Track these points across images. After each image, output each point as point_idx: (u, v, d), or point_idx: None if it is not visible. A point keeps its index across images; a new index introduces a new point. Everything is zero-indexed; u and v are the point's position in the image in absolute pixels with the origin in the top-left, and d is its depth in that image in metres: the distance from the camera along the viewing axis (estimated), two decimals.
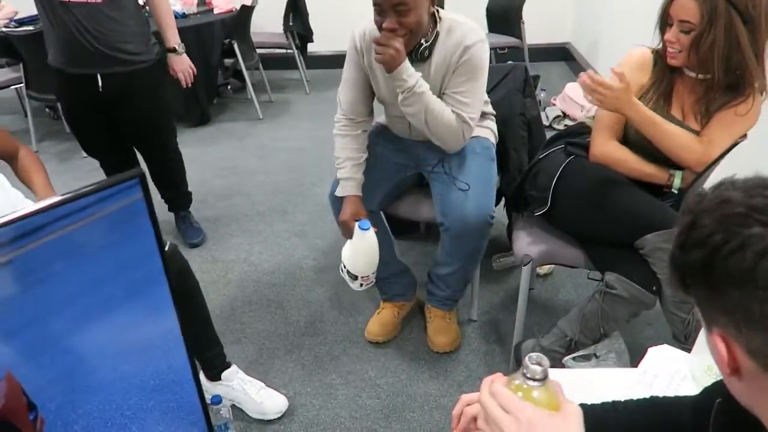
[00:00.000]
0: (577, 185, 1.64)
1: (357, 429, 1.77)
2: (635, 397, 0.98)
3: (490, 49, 4.69)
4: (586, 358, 1.65)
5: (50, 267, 0.82)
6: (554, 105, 4.06)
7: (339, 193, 1.88)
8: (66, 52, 2.26)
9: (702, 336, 1.10)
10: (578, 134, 1.74)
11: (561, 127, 3.80)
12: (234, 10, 4.35)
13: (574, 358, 1.64)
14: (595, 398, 0.97)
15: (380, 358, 2.02)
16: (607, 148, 1.64)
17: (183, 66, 2.55)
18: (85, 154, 2.84)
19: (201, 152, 3.78)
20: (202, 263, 2.59)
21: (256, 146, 3.89)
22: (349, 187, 1.86)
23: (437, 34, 1.72)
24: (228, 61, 4.56)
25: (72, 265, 0.84)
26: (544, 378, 0.67)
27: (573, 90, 3.99)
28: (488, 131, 2.01)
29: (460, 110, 1.73)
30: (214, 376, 1.78)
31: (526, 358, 0.68)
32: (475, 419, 0.89)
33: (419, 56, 1.71)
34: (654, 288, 1.51)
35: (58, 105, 4.14)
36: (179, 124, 4.08)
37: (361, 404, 1.85)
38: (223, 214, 3.02)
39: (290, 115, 4.48)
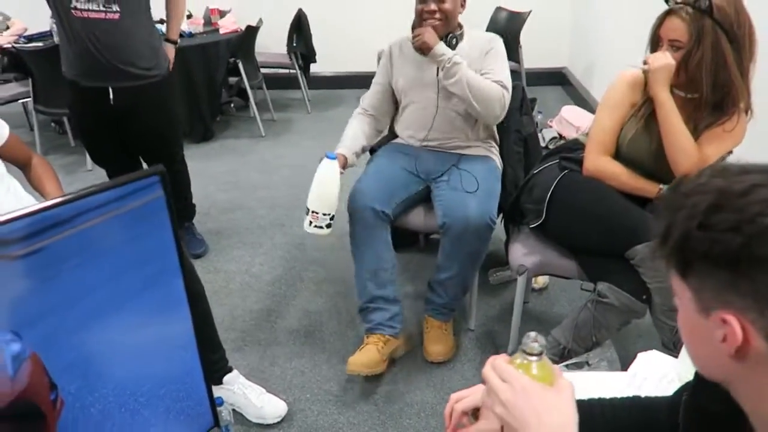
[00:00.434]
0: (571, 198, 1.71)
1: None
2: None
3: None
4: (578, 365, 1.69)
5: (71, 260, 0.88)
6: (551, 127, 4.15)
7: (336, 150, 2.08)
8: (81, 65, 2.33)
9: None
10: (572, 150, 1.82)
11: None
12: (239, 30, 4.46)
13: (566, 366, 1.69)
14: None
15: None
16: (600, 163, 1.71)
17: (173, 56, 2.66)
18: (90, 167, 2.91)
19: (204, 167, 3.85)
20: (205, 274, 2.63)
21: (258, 162, 3.96)
22: (342, 148, 2.10)
23: (463, 34, 2.07)
24: (232, 80, 4.66)
25: (92, 258, 0.90)
26: (541, 353, 0.73)
27: (569, 112, 4.09)
28: (497, 157, 2.16)
29: (498, 79, 1.98)
30: (216, 379, 1.82)
31: (525, 336, 0.74)
32: (465, 414, 0.94)
33: (449, 44, 1.99)
34: (644, 297, 1.57)
35: (65, 119, 4.25)
36: (183, 139, 4.16)
37: (359, 410, 1.89)
38: (225, 226, 3.07)
39: (292, 134, 4.56)
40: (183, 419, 1.07)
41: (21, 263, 0.81)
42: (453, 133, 2.11)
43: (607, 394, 1.05)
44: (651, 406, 0.99)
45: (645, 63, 1.60)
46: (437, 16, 1.95)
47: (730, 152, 1.67)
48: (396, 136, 2.26)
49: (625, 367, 1.64)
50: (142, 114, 2.46)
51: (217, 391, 1.80)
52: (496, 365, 0.76)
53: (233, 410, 1.81)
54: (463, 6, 2.04)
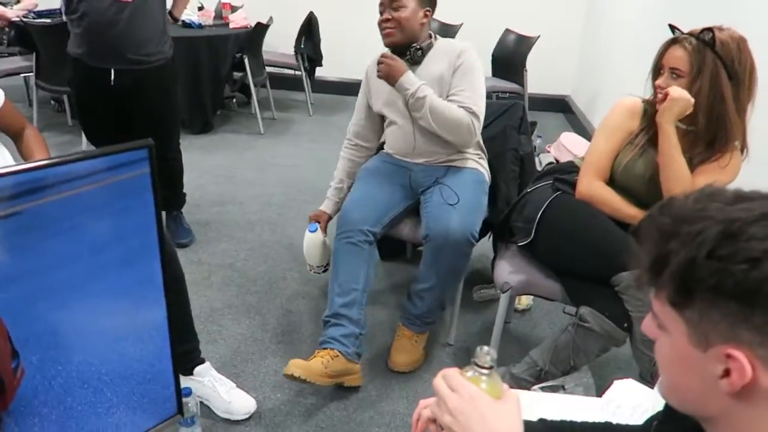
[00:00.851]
0: (561, 219, 1.70)
1: None
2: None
3: (493, 92, 4.84)
4: (553, 389, 1.68)
5: (54, 225, 0.86)
6: (548, 152, 4.16)
7: (322, 206, 2.24)
8: (87, 44, 2.33)
9: None
10: (567, 171, 1.81)
11: None
12: (249, 26, 4.47)
13: (542, 388, 1.67)
14: None
15: None
16: (593, 187, 1.70)
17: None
18: (84, 147, 2.89)
19: (200, 159, 3.83)
20: (187, 264, 2.60)
21: (255, 159, 3.95)
22: (325, 205, 2.26)
23: (431, 44, 2.02)
24: (237, 75, 4.66)
25: (75, 226, 0.88)
26: (491, 367, 0.72)
27: (568, 139, 4.11)
28: (484, 169, 2.14)
29: (467, 104, 1.92)
30: (187, 370, 1.78)
31: (478, 348, 0.74)
32: (432, 420, 0.93)
33: (412, 58, 1.97)
34: (625, 325, 1.56)
35: (65, 97, 4.23)
36: (182, 129, 4.13)
37: (329, 415, 1.86)
38: (214, 219, 3.05)
39: (291, 134, 4.56)
40: (146, 403, 1.04)
41: None
42: (437, 149, 2.07)
43: (580, 418, 1.03)
44: None
45: (659, 89, 1.59)
46: (391, 24, 1.94)
47: None
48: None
49: (600, 394, 1.62)
50: (142, 96, 2.45)
51: (187, 382, 1.77)
52: (447, 375, 0.75)
53: (201, 402, 1.78)
54: (427, 16, 1.99)
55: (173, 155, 2.71)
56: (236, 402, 1.80)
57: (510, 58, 4.73)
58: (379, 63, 1.92)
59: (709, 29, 1.50)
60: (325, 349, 1.85)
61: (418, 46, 1.98)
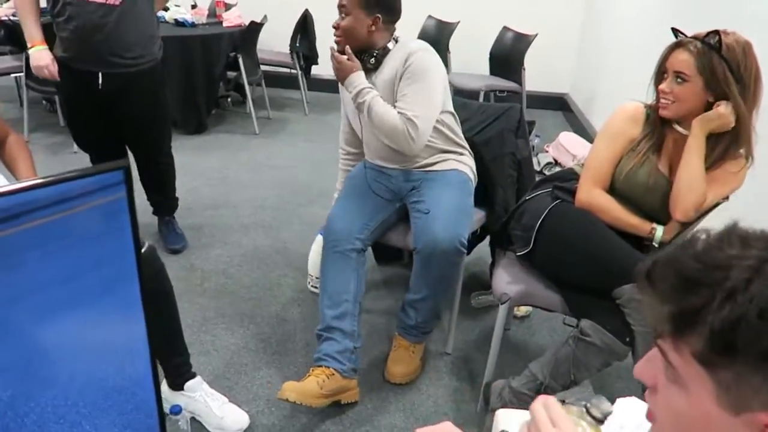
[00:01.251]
0: (561, 229, 1.66)
1: None
2: None
3: (490, 91, 4.79)
4: None
5: (24, 254, 0.80)
6: (547, 152, 4.12)
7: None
8: (73, 48, 2.27)
9: None
10: (567, 179, 1.76)
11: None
12: (243, 25, 4.40)
13: None
14: None
15: None
16: (593, 195, 1.66)
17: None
18: (75, 149, 2.84)
19: (193, 160, 3.78)
20: (180, 270, 2.56)
21: (249, 160, 3.89)
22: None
23: (387, 50, 1.93)
24: (231, 74, 4.60)
25: (47, 255, 0.83)
26: (602, 422, 0.68)
27: (567, 138, 4.06)
28: (466, 167, 2.06)
29: (404, 110, 1.84)
30: (178, 385, 1.74)
31: (597, 397, 0.68)
32: None
33: (365, 65, 1.92)
34: (627, 339, 1.51)
35: (56, 97, 4.16)
36: (175, 130, 4.07)
37: (324, 429, 1.82)
38: (207, 223, 3.00)
39: (286, 134, 4.50)
40: None
41: None
42: (392, 155, 1.99)
43: None
44: None
45: (662, 94, 1.54)
46: (338, 33, 1.90)
47: (726, 198, 1.62)
48: None
49: None
50: (131, 100, 2.39)
51: (177, 398, 1.74)
52: (550, 406, 0.70)
53: (192, 419, 1.74)
54: (376, 23, 1.87)
55: (164, 159, 2.65)
56: (229, 417, 1.76)
57: (508, 56, 4.68)
58: (337, 60, 1.88)
59: (715, 32, 1.44)
60: (320, 366, 1.79)
61: (371, 54, 1.91)
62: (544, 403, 0.70)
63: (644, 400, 1.34)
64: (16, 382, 0.85)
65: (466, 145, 2.11)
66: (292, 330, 2.24)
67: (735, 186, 1.58)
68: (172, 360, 1.71)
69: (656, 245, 1.63)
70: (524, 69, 4.60)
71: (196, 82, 4.16)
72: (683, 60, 1.49)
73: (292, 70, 4.95)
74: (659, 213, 1.63)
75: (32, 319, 0.85)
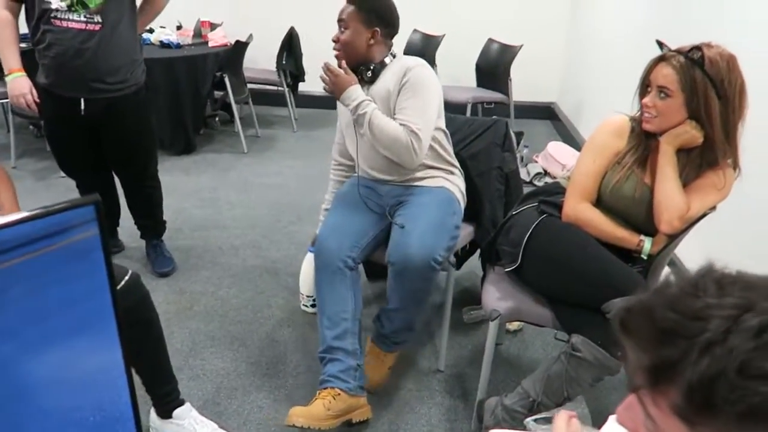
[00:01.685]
0: (548, 244, 1.65)
1: None
2: None
3: (478, 103, 4.81)
4: (547, 420, 1.61)
5: None
6: (536, 162, 4.12)
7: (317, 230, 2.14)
8: (54, 73, 2.26)
9: None
10: (553, 193, 1.76)
11: (541, 183, 3.85)
12: (229, 44, 4.41)
13: (535, 420, 1.61)
14: None
15: None
16: (579, 209, 1.65)
17: None
18: (63, 174, 2.81)
19: (182, 181, 3.76)
20: (169, 294, 2.53)
21: (238, 179, 3.88)
22: (319, 229, 2.11)
23: (384, 64, 1.96)
24: (218, 94, 4.60)
25: (17, 297, 0.81)
26: None
27: (555, 148, 4.07)
28: (454, 186, 2.05)
29: (407, 122, 1.86)
30: (166, 413, 1.71)
31: None
32: None
33: (362, 78, 1.94)
34: (619, 353, 1.50)
35: (42, 122, 4.14)
36: (163, 151, 4.08)
37: None
38: (196, 244, 2.97)
39: (275, 152, 4.50)
40: None
41: None
42: (388, 167, 1.99)
43: None
44: None
45: (645, 108, 1.55)
46: (337, 46, 1.93)
47: (713, 208, 1.62)
48: None
49: (597, 423, 1.56)
50: (114, 125, 2.38)
51: (165, 426, 1.71)
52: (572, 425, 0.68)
53: None
54: (375, 37, 1.91)
55: (150, 183, 2.63)
56: None
57: (494, 67, 4.70)
58: (326, 72, 1.88)
59: (698, 47, 1.45)
60: (325, 389, 1.77)
61: (368, 67, 1.94)
62: (568, 421, 0.68)
63: None
64: None
65: (457, 164, 2.10)
66: (283, 351, 2.22)
67: (721, 196, 1.58)
68: (158, 388, 1.68)
69: (645, 257, 1.63)
70: (510, 80, 4.63)
71: (183, 103, 4.15)
72: (666, 75, 1.49)
73: (280, 88, 4.95)
74: (647, 225, 1.62)
75: (5, 362, 0.83)
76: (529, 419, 1.63)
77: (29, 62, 2.35)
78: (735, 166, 1.57)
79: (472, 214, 2.15)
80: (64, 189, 3.34)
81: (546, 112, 5.58)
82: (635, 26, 3.61)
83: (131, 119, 2.41)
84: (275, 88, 4.98)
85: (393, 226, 1.92)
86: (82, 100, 2.28)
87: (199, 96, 4.26)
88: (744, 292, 0.52)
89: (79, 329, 0.87)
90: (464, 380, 2.11)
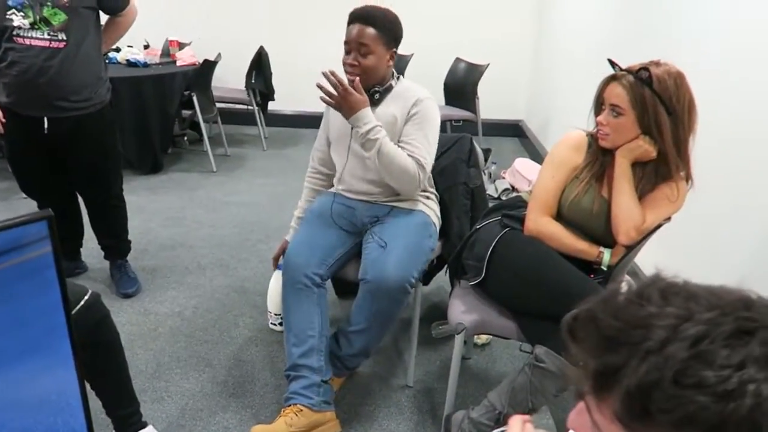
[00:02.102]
0: (511, 257, 1.67)
1: None
2: None
3: (446, 120, 4.87)
4: None
5: None
6: (504, 178, 4.19)
7: (286, 236, 2.16)
8: (17, 92, 2.23)
9: None
10: (515, 207, 1.79)
11: None
12: (197, 63, 4.40)
13: None
14: None
15: None
16: (540, 223, 1.68)
17: None
18: (25, 195, 2.75)
19: (148, 200, 3.72)
20: (133, 315, 2.49)
21: (206, 199, 3.85)
22: (289, 235, 2.14)
23: (391, 87, 1.95)
24: (186, 113, 4.57)
25: None
26: None
27: (522, 165, 4.14)
28: (431, 211, 2.07)
29: (415, 155, 1.87)
30: None
31: None
32: None
33: (371, 99, 1.88)
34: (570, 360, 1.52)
35: (3, 142, 4.06)
36: (130, 171, 4.03)
37: None
38: (162, 264, 2.93)
39: (244, 170, 4.48)
40: None
41: None
42: (372, 186, 2.01)
43: None
44: None
45: (600, 126, 1.60)
46: (357, 71, 1.86)
47: (669, 219, 1.67)
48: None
49: None
50: (78, 144, 2.35)
51: None
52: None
53: None
54: (392, 58, 1.92)
55: (115, 202, 2.59)
56: None
57: (461, 86, 4.78)
58: (336, 89, 1.77)
59: (646, 68, 1.50)
60: (288, 406, 1.76)
61: (379, 89, 1.92)
62: (522, 425, 0.68)
63: None
64: None
65: (434, 191, 2.14)
66: (249, 371, 2.19)
67: (674, 208, 1.62)
68: (119, 411, 1.64)
69: (605, 268, 1.66)
70: (478, 98, 4.70)
71: (150, 122, 4.12)
72: (618, 94, 1.54)
73: (249, 107, 4.95)
74: (605, 237, 1.66)
75: None
76: (495, 431, 1.65)
77: None
78: (687, 178, 1.63)
79: (439, 229, 2.17)
80: (25, 210, 3.25)
81: (514, 130, 5.68)
82: (595, 45, 3.73)
83: (95, 138, 2.38)
84: (245, 107, 4.98)
85: (369, 244, 1.92)
86: (45, 119, 2.25)
87: (167, 115, 4.23)
88: (686, 302, 0.53)
89: (32, 349, 0.86)
90: (432, 395, 2.12)
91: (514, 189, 4.05)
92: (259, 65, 4.81)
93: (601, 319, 0.54)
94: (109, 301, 2.49)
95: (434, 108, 1.95)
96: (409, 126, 1.90)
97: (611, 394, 0.52)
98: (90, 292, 1.47)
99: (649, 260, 2.51)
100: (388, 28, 1.88)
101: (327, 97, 1.79)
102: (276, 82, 4.97)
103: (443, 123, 4.64)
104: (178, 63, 4.38)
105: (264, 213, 3.64)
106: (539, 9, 5.32)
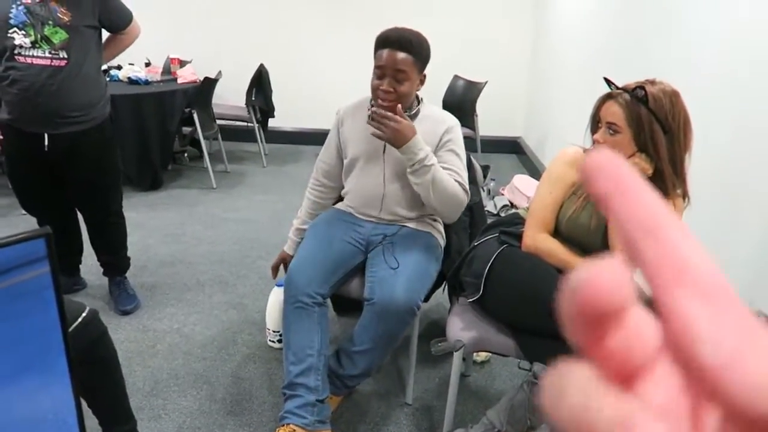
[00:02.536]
0: (508, 274, 1.67)
1: None
2: None
3: None
4: None
5: None
6: (502, 195, 4.20)
7: (284, 246, 2.17)
8: (18, 109, 2.24)
9: None
10: (512, 224, 1.80)
11: None
12: (197, 81, 4.44)
13: None
14: None
15: None
16: (538, 240, 1.69)
17: None
18: (24, 211, 2.76)
19: (148, 217, 3.72)
20: (131, 332, 2.48)
21: (206, 215, 3.85)
22: (287, 246, 2.17)
23: (418, 111, 1.96)
24: (187, 129, 4.60)
25: None
26: None
27: (521, 181, 4.15)
28: (438, 233, 2.09)
29: (460, 180, 1.90)
30: None
31: None
32: None
33: None
34: None
35: (4, 158, 4.08)
36: (130, 187, 4.05)
37: None
38: (161, 281, 2.93)
39: (244, 187, 4.49)
40: None
41: None
42: (396, 210, 2.02)
43: None
44: None
45: (597, 144, 1.61)
46: (391, 97, 1.83)
47: None
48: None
49: None
50: (77, 160, 2.36)
51: None
52: None
53: None
54: (422, 83, 1.92)
55: (114, 219, 2.60)
56: None
57: (460, 103, 4.81)
58: (381, 120, 1.75)
59: (642, 86, 1.51)
60: (282, 425, 1.75)
61: (408, 114, 1.90)
62: None
63: None
64: None
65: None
66: (248, 388, 2.18)
67: None
68: (115, 429, 1.63)
69: None
70: (476, 115, 4.74)
71: (151, 139, 4.14)
72: (614, 112, 1.56)
73: (249, 124, 4.98)
74: (603, 253, 1.66)
75: None
76: None
77: None
78: (684, 196, 1.63)
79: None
80: (25, 227, 3.24)
81: (512, 146, 5.71)
82: (592, 62, 3.76)
83: (95, 154, 2.40)
84: (245, 124, 5.01)
85: (377, 264, 1.91)
86: (46, 136, 2.27)
87: (167, 132, 4.25)
88: None
89: (27, 368, 0.85)
90: (432, 413, 2.10)
91: (513, 205, 4.05)
92: (260, 82, 4.85)
93: None
94: (108, 318, 2.51)
95: (461, 134, 2.00)
96: (444, 153, 1.92)
97: None
98: (88, 309, 1.47)
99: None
100: (422, 52, 1.87)
101: (379, 132, 1.78)
102: (276, 99, 5.01)
103: None
104: (179, 80, 4.41)
105: (263, 229, 3.64)
106: (536, 26, 5.38)
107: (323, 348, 1.87)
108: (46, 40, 2.18)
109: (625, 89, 1.55)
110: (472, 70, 4.95)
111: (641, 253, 0.19)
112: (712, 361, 0.17)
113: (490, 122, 5.12)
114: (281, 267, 2.17)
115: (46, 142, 2.29)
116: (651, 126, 1.50)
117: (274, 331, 2.38)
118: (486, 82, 4.67)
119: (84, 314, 1.45)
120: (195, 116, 4.23)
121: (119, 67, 4.41)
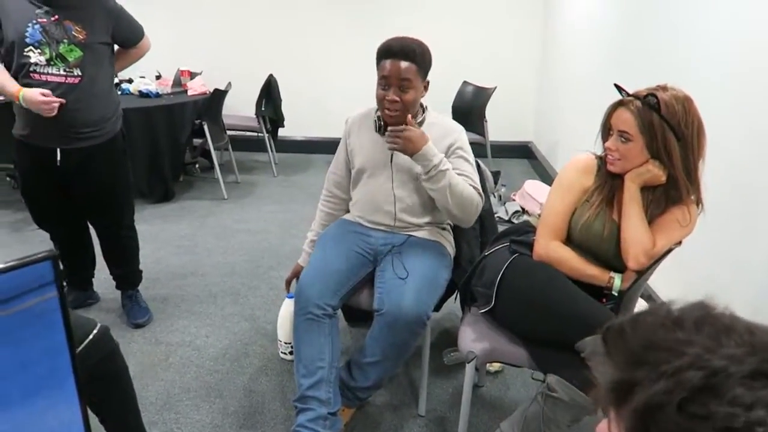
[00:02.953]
0: (520, 284, 1.65)
1: None
2: None
3: None
4: None
5: None
6: (514, 200, 4.17)
7: (299, 259, 2.18)
8: (32, 125, 2.27)
9: None
10: (523, 232, 1.78)
11: (519, 222, 3.88)
12: (207, 92, 4.47)
13: None
14: None
15: None
16: (550, 248, 1.66)
17: None
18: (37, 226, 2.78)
19: (160, 229, 3.74)
20: (144, 345, 2.49)
21: (217, 226, 3.87)
22: (302, 259, 2.17)
23: (424, 118, 1.97)
24: (197, 141, 4.63)
25: None
26: None
27: (532, 187, 4.12)
28: (447, 242, 2.07)
29: (472, 183, 1.90)
30: None
31: None
32: None
33: None
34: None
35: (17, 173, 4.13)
36: (142, 200, 4.07)
37: None
38: (173, 293, 2.94)
39: (255, 197, 4.50)
40: None
41: None
42: (405, 217, 2.02)
43: None
44: None
45: (609, 151, 1.59)
46: (397, 106, 1.84)
47: (680, 243, 1.64)
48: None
49: None
50: (90, 174, 2.38)
51: None
52: None
53: None
54: (426, 88, 1.93)
55: (126, 233, 2.61)
56: None
57: (469, 109, 4.80)
58: (395, 133, 1.78)
59: (653, 93, 1.49)
60: None
61: (416, 122, 1.90)
62: None
63: None
64: None
65: (451, 223, 2.13)
66: (260, 401, 2.17)
67: (685, 232, 1.60)
68: None
69: (616, 294, 1.64)
70: (486, 121, 4.72)
71: (162, 152, 4.17)
72: (626, 120, 1.53)
73: (260, 134, 5.00)
74: (616, 261, 1.64)
75: None
76: None
77: (7, 114, 2.36)
78: (698, 202, 1.61)
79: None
80: (38, 241, 3.30)
81: (523, 151, 5.68)
82: (600, 68, 3.73)
83: (107, 168, 2.42)
84: (255, 134, 5.03)
85: (385, 274, 1.90)
86: (59, 151, 2.29)
87: (178, 144, 4.28)
88: (717, 334, 0.52)
89: (36, 391, 0.85)
90: (445, 424, 2.08)
91: (524, 211, 4.03)
92: (269, 93, 4.87)
93: (629, 335, 0.55)
94: (121, 331, 2.53)
95: (467, 138, 2.00)
96: (454, 159, 1.92)
97: (625, 409, 0.53)
98: (98, 326, 1.47)
99: (664, 284, 2.48)
100: (425, 60, 1.89)
101: (393, 145, 1.80)
102: (285, 109, 5.02)
103: None
104: (189, 92, 4.44)
105: (275, 240, 3.65)
106: (545, 32, 5.36)
107: (334, 360, 1.86)
108: (61, 58, 2.20)
109: (636, 96, 1.53)
110: (481, 76, 4.94)
111: None
112: None
113: (500, 127, 5.09)
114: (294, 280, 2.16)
115: (59, 157, 2.31)
116: (664, 133, 1.48)
117: (285, 343, 2.38)
118: (495, 88, 4.66)
119: (94, 332, 1.45)
120: (205, 127, 4.25)
121: (130, 81, 4.46)
